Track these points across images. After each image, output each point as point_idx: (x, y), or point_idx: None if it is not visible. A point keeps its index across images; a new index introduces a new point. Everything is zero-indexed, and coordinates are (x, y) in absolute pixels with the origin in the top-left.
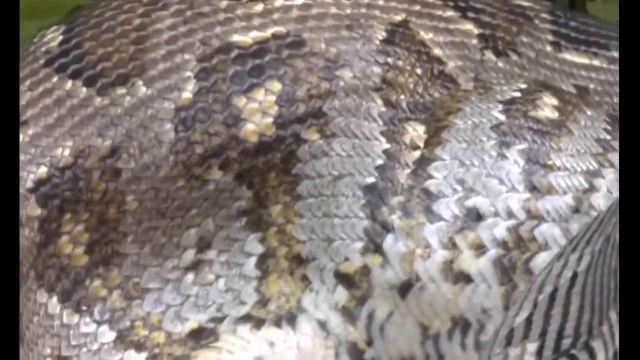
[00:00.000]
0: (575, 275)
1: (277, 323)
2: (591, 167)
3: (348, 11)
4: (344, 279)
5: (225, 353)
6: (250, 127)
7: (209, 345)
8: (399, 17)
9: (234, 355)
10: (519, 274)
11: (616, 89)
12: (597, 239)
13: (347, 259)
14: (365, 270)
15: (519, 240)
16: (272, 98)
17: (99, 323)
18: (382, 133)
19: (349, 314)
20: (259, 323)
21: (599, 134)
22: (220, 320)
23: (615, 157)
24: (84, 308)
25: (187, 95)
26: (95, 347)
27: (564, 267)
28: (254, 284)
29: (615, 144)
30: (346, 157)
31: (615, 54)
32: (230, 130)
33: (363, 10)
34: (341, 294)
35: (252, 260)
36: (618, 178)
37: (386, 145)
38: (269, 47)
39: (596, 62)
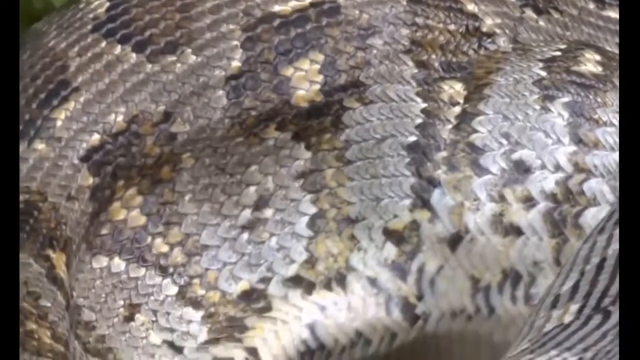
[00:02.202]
0: None
1: (328, 285)
2: None
3: None
4: (393, 235)
5: (280, 323)
6: (300, 93)
7: (264, 316)
8: None
9: (288, 325)
10: (570, 227)
11: None
12: None
13: (395, 216)
14: (414, 225)
15: (568, 194)
16: (317, 67)
17: (163, 276)
18: (417, 94)
19: (399, 269)
20: (309, 287)
21: None
22: (269, 280)
23: None
24: (149, 262)
25: (236, 64)
26: (161, 297)
27: (609, 240)
28: (304, 242)
29: None
30: (386, 119)
31: None
32: (282, 96)
33: None
34: (390, 250)
35: (305, 220)
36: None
37: (423, 105)
38: (308, 15)
39: None
